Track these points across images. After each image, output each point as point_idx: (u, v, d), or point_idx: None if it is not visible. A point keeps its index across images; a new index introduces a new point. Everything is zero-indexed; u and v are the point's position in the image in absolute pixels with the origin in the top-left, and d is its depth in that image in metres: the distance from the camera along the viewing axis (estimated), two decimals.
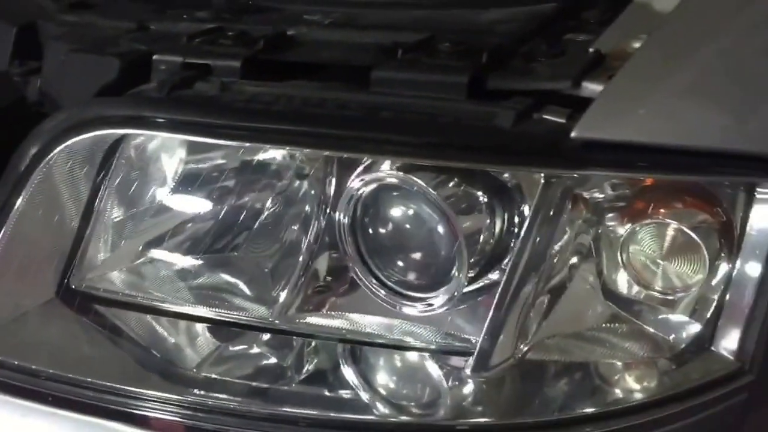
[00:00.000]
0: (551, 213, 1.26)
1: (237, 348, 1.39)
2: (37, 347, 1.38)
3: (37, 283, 1.40)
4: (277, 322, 1.37)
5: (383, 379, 1.34)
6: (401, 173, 1.26)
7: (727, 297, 1.29)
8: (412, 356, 1.34)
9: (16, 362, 1.34)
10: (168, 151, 1.41)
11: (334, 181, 1.34)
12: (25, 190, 1.35)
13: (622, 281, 1.32)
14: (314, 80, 1.40)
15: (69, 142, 1.34)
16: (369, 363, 1.34)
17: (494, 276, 1.31)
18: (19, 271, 1.39)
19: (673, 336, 1.32)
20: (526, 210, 1.28)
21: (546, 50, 1.37)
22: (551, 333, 1.31)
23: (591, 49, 1.35)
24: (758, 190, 1.28)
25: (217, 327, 1.39)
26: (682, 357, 1.30)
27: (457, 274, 1.26)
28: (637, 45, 1.33)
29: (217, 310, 1.39)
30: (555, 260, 1.29)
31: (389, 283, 1.31)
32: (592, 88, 1.28)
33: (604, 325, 1.34)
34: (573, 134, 1.21)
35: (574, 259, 1.32)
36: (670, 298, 1.31)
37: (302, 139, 1.28)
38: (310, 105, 1.30)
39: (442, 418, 1.27)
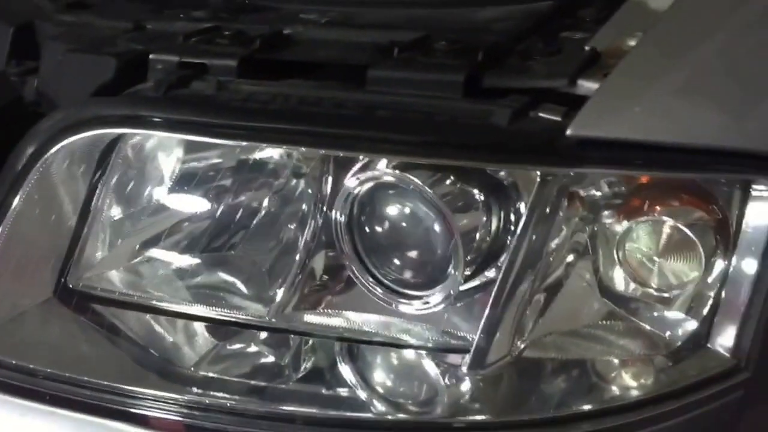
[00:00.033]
0: (547, 211, 1.26)
1: (235, 346, 1.39)
2: (34, 346, 1.38)
3: (35, 282, 1.40)
4: (274, 320, 1.37)
5: (380, 377, 1.34)
6: (397, 172, 1.26)
7: (723, 294, 1.29)
8: (409, 354, 1.34)
9: (14, 362, 1.34)
10: (165, 151, 1.41)
11: (330, 179, 1.35)
12: (22, 189, 1.35)
13: (619, 279, 1.32)
14: (311, 79, 1.40)
15: (66, 142, 1.34)
16: (366, 361, 1.34)
17: (491, 274, 1.31)
18: (17, 271, 1.39)
19: (669, 333, 1.32)
20: (522, 208, 1.29)
21: (542, 48, 1.37)
22: (548, 330, 1.31)
23: (587, 47, 1.35)
24: (754, 187, 1.28)
25: (214, 326, 1.39)
26: (679, 354, 1.30)
27: (453, 272, 1.27)
28: (632, 43, 1.33)
29: (214, 308, 1.39)
30: (551, 258, 1.29)
31: (386, 281, 1.31)
32: (587, 86, 1.28)
33: (600, 322, 1.34)
34: (569, 132, 1.22)
35: (571, 257, 1.32)
36: (666, 295, 1.31)
37: (299, 137, 1.29)
38: (307, 104, 1.30)
39: (440, 416, 1.27)
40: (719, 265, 1.29)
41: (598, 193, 1.31)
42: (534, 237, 1.26)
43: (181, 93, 1.35)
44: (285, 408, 1.27)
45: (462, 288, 1.29)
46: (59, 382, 1.31)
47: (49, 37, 1.57)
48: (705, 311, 1.30)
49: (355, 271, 1.32)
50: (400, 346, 1.34)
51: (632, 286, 1.32)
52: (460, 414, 1.27)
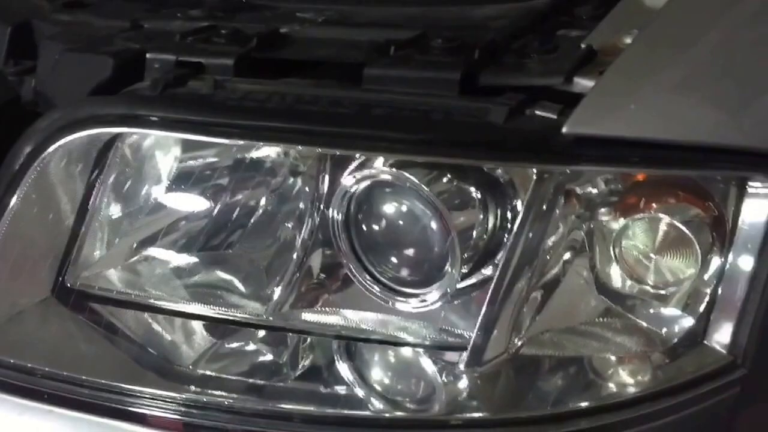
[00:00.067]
0: (544, 208, 1.26)
1: (233, 345, 1.39)
2: (33, 345, 1.38)
3: (33, 281, 1.40)
4: (272, 318, 1.37)
5: (378, 374, 1.34)
6: (394, 170, 1.26)
7: (720, 291, 1.29)
8: (407, 352, 1.34)
9: (12, 360, 1.34)
10: (162, 149, 1.41)
11: (327, 178, 1.35)
12: (19, 188, 1.35)
13: (615, 276, 1.33)
14: (307, 78, 1.40)
15: (63, 141, 1.34)
16: (364, 359, 1.34)
17: (487, 271, 1.31)
18: (15, 270, 1.39)
19: (666, 330, 1.32)
20: (519, 205, 1.29)
21: (538, 46, 1.37)
22: (545, 328, 1.32)
23: (583, 45, 1.35)
24: (750, 184, 1.28)
25: (212, 324, 1.39)
26: (675, 351, 1.31)
27: (450, 269, 1.27)
28: (628, 40, 1.34)
29: (212, 307, 1.39)
30: (548, 255, 1.30)
31: (383, 279, 1.31)
32: (584, 83, 1.28)
33: (597, 319, 1.34)
34: (565, 130, 1.22)
35: (567, 254, 1.32)
36: (663, 292, 1.31)
37: (295, 136, 1.29)
38: (303, 102, 1.30)
39: (437, 413, 1.27)
40: (716, 262, 1.30)
41: (595, 191, 1.31)
42: (531, 234, 1.26)
43: (178, 92, 1.35)
44: (283, 406, 1.27)
45: (459, 286, 1.29)
46: (57, 381, 1.32)
47: (47, 37, 1.57)
48: (701, 308, 1.30)
49: (353, 269, 1.32)
50: (397, 343, 1.34)
51: (629, 283, 1.32)
52: (457, 411, 1.27)
